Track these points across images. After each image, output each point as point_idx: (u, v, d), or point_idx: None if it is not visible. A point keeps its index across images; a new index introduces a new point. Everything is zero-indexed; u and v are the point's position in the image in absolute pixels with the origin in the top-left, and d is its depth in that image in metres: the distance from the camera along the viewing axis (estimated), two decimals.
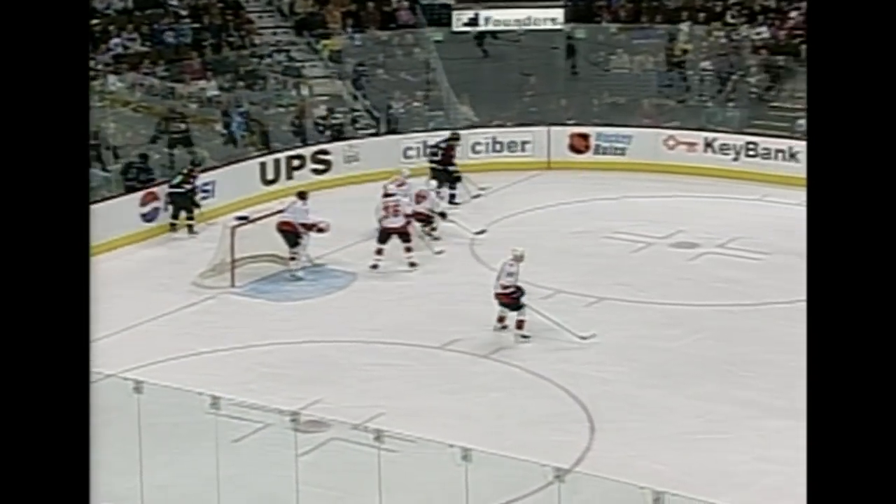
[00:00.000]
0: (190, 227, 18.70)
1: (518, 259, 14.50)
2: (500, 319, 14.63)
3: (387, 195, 17.42)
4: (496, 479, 10.18)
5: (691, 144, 21.30)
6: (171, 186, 18.69)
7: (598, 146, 22.02)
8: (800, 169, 20.27)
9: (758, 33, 22.91)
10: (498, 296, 14.54)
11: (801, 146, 20.40)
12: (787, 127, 21.35)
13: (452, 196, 19.70)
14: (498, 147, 22.29)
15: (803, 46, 22.27)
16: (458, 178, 20.03)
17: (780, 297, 15.61)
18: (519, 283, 14.46)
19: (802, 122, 21.18)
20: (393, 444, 9.93)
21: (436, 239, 17.77)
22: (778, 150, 20.80)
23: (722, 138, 21.29)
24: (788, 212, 18.58)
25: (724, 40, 23.13)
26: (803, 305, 16.16)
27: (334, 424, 11.50)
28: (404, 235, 16.99)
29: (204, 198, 19.06)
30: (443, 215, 18.16)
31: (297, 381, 13.35)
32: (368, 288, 16.58)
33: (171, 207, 18.69)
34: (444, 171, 20.00)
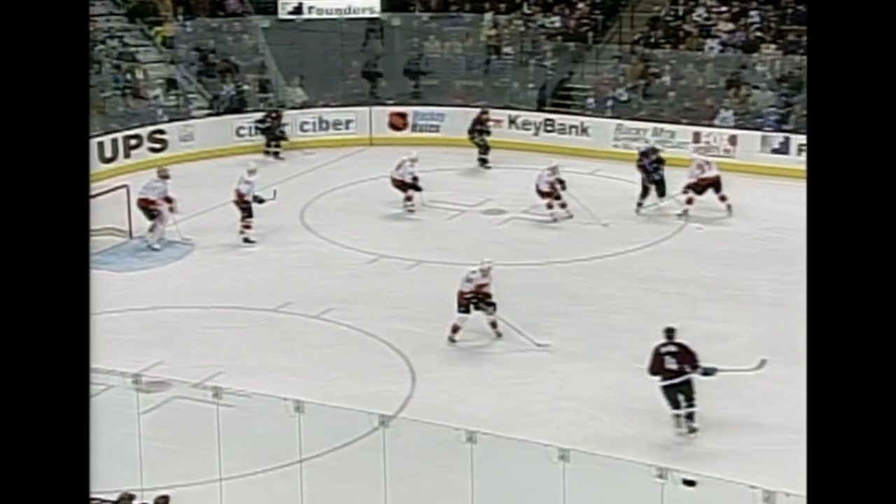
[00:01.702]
0: (276, 153, 21.03)
1: (484, 271, 13.24)
2: (454, 329, 13.20)
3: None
4: (327, 428, 10.19)
5: (497, 121, 21.60)
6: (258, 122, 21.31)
7: (415, 124, 22.18)
8: (590, 142, 20.87)
9: (552, 22, 23.36)
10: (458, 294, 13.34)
11: (590, 122, 21.00)
12: (579, 105, 21.89)
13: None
14: (324, 125, 22.19)
15: (591, 33, 22.86)
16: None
17: (576, 255, 16.09)
18: (481, 291, 13.27)
19: (591, 100, 21.78)
20: (230, 399, 9.83)
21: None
22: (571, 126, 21.31)
23: (524, 115, 21.66)
24: (581, 180, 19.09)
25: (522, 28, 23.51)
26: (597, 262, 16.69)
27: (175, 384, 11.30)
28: (246, 211, 16.72)
29: None
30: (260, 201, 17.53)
31: (139, 345, 13.03)
32: (205, 258, 16.29)
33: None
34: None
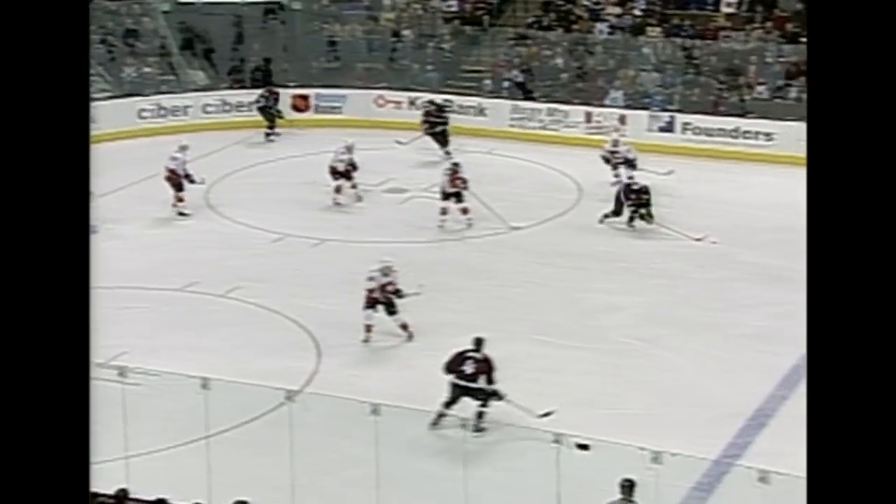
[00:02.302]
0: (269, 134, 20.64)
1: (384, 271, 12.84)
2: (367, 328, 12.85)
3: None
4: (234, 404, 10.08)
5: (397, 103, 21.52)
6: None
7: (317, 105, 21.94)
8: (488, 122, 20.92)
9: (449, 6, 23.31)
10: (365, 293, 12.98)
11: (488, 103, 21.04)
12: (476, 87, 21.93)
13: None
14: (227, 108, 21.81)
15: (486, 17, 22.88)
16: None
17: (474, 233, 16.16)
18: (387, 290, 12.88)
19: (488, 82, 21.83)
20: (137, 378, 9.64)
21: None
22: (469, 107, 21.34)
23: (423, 97, 21.54)
24: (480, 158, 19.17)
25: (421, 12, 23.41)
26: (495, 238, 16.76)
27: None
28: (177, 187, 16.76)
29: None
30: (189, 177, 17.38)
31: None
32: (111, 238, 15.90)
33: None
34: None
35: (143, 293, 14.10)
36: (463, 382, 10.74)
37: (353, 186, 17.41)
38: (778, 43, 20.65)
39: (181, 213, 16.79)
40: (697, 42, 21.21)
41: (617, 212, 16.11)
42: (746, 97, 20.04)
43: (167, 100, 21.47)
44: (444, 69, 22.42)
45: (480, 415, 10.66)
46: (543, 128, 20.70)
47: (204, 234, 16.06)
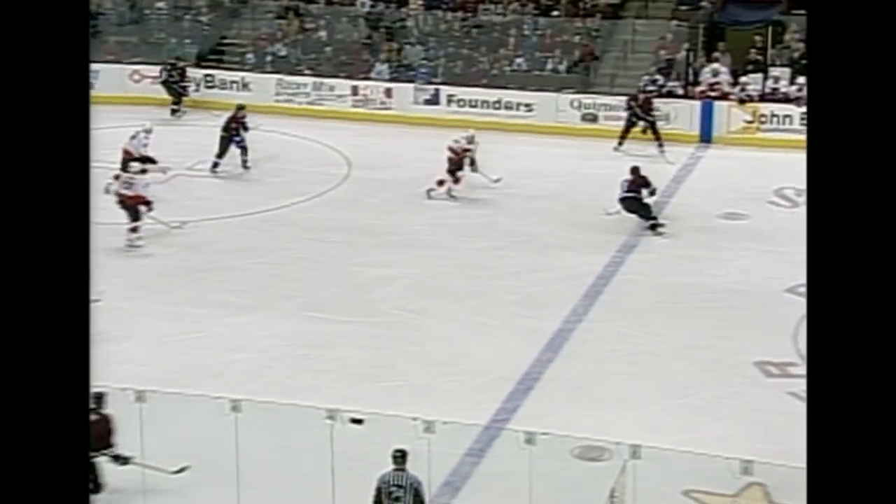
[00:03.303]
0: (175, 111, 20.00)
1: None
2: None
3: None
4: None
5: (155, 78, 20.89)
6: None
7: None
8: (252, 97, 20.57)
9: None
10: None
11: (252, 77, 20.76)
12: (239, 61, 21.59)
13: None
14: None
15: None
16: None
17: (243, 209, 15.96)
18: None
19: (251, 56, 21.52)
20: None
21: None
22: (232, 81, 21.00)
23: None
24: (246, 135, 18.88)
25: None
26: (265, 215, 16.46)
27: None
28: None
29: None
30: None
31: None
32: None
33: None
34: None
35: None
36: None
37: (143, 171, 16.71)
38: (533, 16, 21.41)
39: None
40: (458, 14, 21.68)
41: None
42: (506, 69, 20.67)
43: None
44: (204, 43, 21.93)
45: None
46: (310, 103, 20.63)
47: None
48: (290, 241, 14.96)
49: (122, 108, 19.93)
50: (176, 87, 20.38)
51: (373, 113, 20.30)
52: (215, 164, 17.34)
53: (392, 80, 20.78)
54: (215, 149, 17.41)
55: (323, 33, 21.86)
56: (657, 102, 18.84)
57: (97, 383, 9.76)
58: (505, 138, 19.05)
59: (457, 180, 16.38)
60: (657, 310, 12.78)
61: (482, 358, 11.71)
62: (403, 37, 21.58)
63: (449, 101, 20.21)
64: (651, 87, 19.15)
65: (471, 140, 16.58)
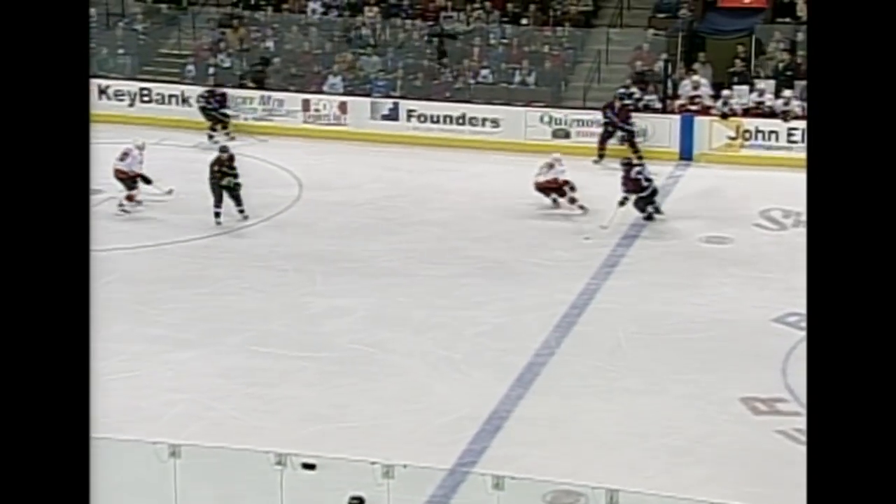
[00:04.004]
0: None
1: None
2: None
3: None
4: None
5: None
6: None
7: None
8: (193, 112, 20.55)
9: None
10: None
11: (192, 91, 20.70)
12: (178, 73, 21.56)
13: None
14: None
15: None
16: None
17: (178, 235, 15.89)
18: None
19: (191, 68, 21.50)
20: None
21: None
22: (171, 95, 20.94)
23: (116, 85, 21.00)
24: (185, 154, 18.86)
25: None
26: (208, 241, 16.32)
27: None
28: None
29: None
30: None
31: None
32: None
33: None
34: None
35: None
36: None
37: (130, 198, 16.95)
38: (500, 24, 21.56)
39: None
40: (418, 23, 21.79)
41: None
42: (471, 81, 20.79)
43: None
44: (139, 54, 21.88)
45: None
46: (257, 118, 20.63)
47: None
48: (235, 270, 14.91)
49: None
50: (216, 114, 20.06)
51: (326, 129, 20.33)
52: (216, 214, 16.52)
53: (347, 93, 20.84)
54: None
55: (270, 43, 21.89)
56: (634, 117, 19.03)
57: None
58: (470, 156, 19.15)
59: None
60: (634, 340, 12.87)
61: (445, 395, 11.71)
62: (359, 46, 21.66)
63: (409, 117, 20.28)
64: (627, 101, 19.31)
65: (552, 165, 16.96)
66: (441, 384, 11.96)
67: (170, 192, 16.89)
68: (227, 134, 19.83)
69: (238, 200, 16.40)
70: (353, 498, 8.04)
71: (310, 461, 8.46)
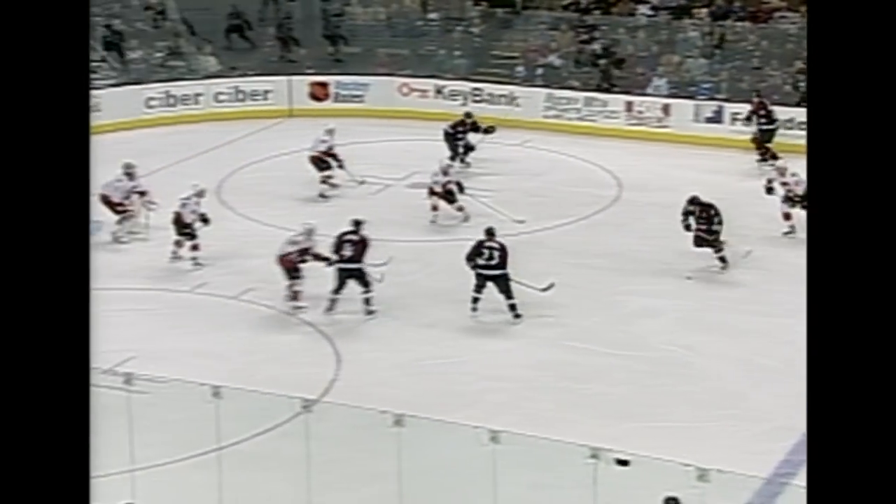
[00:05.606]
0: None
1: (308, 232, 13.66)
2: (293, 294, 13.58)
3: None
4: (246, 414, 10.15)
5: (423, 91, 21.57)
6: None
7: (337, 94, 22.01)
8: (520, 112, 20.90)
9: None
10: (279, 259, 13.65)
11: (520, 92, 21.02)
12: (508, 74, 21.93)
13: None
14: (241, 96, 21.93)
15: None
16: None
17: (509, 230, 16.13)
18: (306, 254, 13.61)
19: (521, 68, 21.83)
20: (143, 385, 9.73)
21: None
22: (501, 95, 21.34)
23: (451, 85, 21.63)
24: (511, 152, 19.20)
25: None
26: (528, 237, 16.57)
27: None
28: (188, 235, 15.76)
29: None
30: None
31: None
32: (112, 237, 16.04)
33: None
34: None
35: (150, 295, 14.21)
36: (344, 266, 13.29)
37: (328, 177, 17.51)
38: None
39: (196, 263, 15.09)
40: (748, 25, 21.13)
41: None
42: (802, 84, 19.90)
43: (176, 87, 21.60)
44: (473, 55, 22.44)
45: (366, 300, 13.33)
46: (581, 118, 20.69)
47: (214, 233, 16.14)
48: (550, 266, 14.97)
49: (390, 121, 20.77)
50: (458, 145, 18.49)
51: (648, 131, 20.10)
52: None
53: (670, 95, 20.51)
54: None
55: (598, 45, 21.86)
56: None
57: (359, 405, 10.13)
58: (796, 162, 18.35)
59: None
60: None
61: (761, 403, 11.30)
62: (685, 49, 21.25)
63: (733, 120, 19.70)
64: None
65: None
66: (755, 391, 11.56)
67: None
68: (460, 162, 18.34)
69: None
70: (669, 499, 7.90)
71: (623, 458, 8.37)
